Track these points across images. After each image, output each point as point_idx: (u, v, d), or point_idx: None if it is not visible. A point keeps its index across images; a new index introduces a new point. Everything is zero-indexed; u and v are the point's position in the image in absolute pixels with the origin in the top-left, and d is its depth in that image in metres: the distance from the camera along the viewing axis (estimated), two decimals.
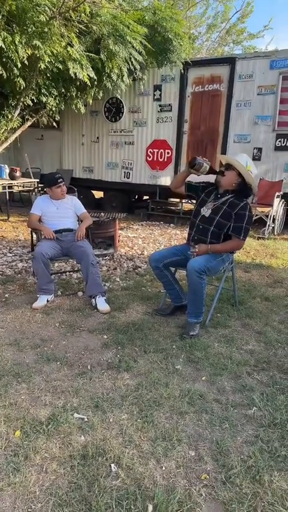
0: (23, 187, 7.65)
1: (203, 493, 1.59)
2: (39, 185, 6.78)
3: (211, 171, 2.87)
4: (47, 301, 3.43)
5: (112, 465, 1.70)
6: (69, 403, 2.10)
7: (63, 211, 3.68)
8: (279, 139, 6.70)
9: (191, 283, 2.85)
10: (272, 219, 6.36)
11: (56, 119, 7.36)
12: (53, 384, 2.27)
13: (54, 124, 7.66)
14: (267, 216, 6.43)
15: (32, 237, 4.07)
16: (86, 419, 1.98)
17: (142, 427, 1.94)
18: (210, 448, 1.83)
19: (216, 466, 1.73)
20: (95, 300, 3.35)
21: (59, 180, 3.59)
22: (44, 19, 4.61)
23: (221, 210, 2.89)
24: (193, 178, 3.04)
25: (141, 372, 2.43)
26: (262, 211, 6.78)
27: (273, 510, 1.51)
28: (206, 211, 2.95)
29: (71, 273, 4.27)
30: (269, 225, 6.33)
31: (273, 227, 6.49)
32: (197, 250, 2.86)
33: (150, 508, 1.49)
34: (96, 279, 3.38)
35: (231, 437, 1.90)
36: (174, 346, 2.75)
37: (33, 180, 7.66)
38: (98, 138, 8.46)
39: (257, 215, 6.72)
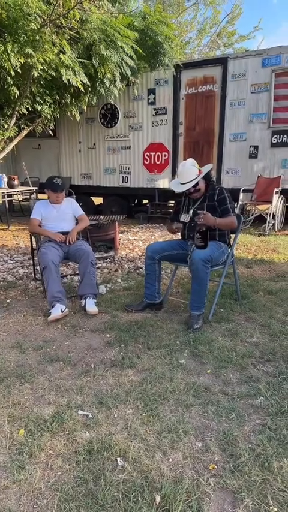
0: (22, 195, 7.67)
1: (212, 482, 1.56)
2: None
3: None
4: (61, 311, 3.13)
5: (118, 459, 1.67)
6: (73, 400, 2.08)
7: (63, 215, 3.67)
8: (275, 136, 6.70)
9: (196, 273, 2.90)
10: (271, 215, 6.34)
11: (51, 127, 7.40)
12: (56, 383, 2.25)
13: (50, 132, 7.72)
14: (267, 214, 6.41)
15: (31, 242, 4.07)
16: (90, 416, 1.95)
17: (147, 420, 1.91)
18: (218, 438, 1.80)
19: (224, 456, 1.69)
20: (85, 301, 3.27)
21: (57, 189, 3.59)
22: (35, 27, 4.66)
23: (204, 208, 3.08)
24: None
25: (145, 367, 2.40)
26: (261, 210, 6.75)
27: (284, 496, 1.48)
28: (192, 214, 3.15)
29: (72, 276, 4.26)
30: (269, 222, 6.30)
31: (273, 224, 6.47)
32: (202, 216, 2.89)
33: (158, 498, 1.46)
34: (91, 279, 3.35)
35: (238, 427, 1.87)
36: (177, 342, 2.73)
37: (32, 188, 7.69)
38: (94, 144, 8.50)
39: (256, 212, 6.71)
